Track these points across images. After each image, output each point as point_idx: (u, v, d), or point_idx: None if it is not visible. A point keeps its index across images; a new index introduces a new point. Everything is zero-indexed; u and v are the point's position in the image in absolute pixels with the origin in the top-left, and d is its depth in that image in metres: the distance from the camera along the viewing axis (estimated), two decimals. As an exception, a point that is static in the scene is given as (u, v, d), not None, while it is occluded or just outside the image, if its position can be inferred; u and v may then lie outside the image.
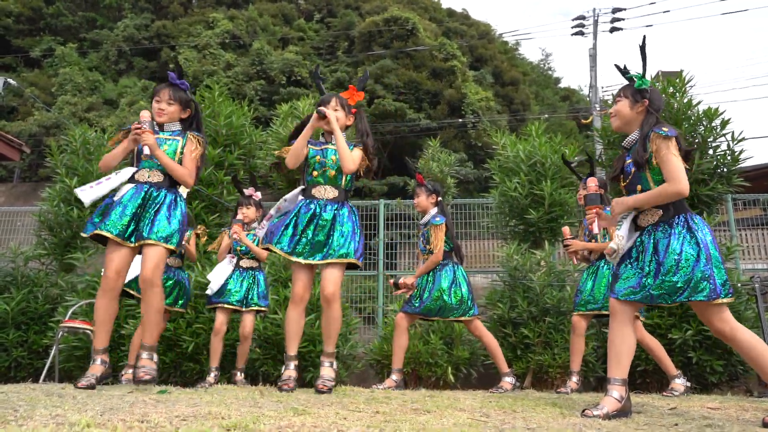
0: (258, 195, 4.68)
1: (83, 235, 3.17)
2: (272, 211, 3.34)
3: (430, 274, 4.24)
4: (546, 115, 21.36)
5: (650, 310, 4.97)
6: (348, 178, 3.31)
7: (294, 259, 3.20)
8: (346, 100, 3.35)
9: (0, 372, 5.63)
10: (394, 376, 4.24)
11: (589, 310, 4.14)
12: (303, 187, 3.34)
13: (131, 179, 3.18)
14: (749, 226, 9.15)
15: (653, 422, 2.37)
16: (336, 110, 3.28)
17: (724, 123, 5.66)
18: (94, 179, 6.38)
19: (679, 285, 2.45)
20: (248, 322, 4.36)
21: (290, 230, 3.21)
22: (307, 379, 4.87)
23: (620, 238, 2.67)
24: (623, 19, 20.61)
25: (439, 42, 22.66)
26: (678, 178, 2.50)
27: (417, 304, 4.20)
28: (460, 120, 20.06)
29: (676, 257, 2.47)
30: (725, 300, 2.45)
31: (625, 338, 2.59)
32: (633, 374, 4.94)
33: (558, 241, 6.25)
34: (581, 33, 21.29)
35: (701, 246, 2.47)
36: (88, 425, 1.60)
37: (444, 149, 12.57)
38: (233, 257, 4.48)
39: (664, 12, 28.17)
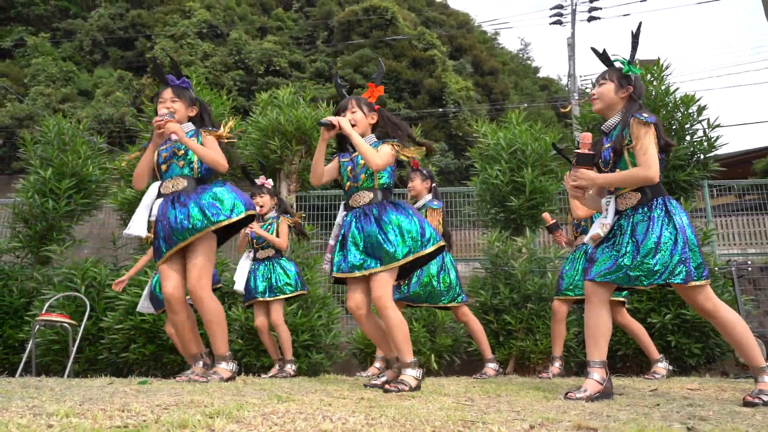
0: (270, 183, 4.64)
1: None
2: (331, 241, 3.13)
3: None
4: (525, 105, 21.44)
5: (631, 294, 5.03)
6: (382, 176, 3.05)
7: (336, 274, 2.98)
8: (365, 99, 3.19)
9: (-25, 368, 5.51)
10: (378, 364, 4.24)
11: (577, 295, 4.16)
12: (344, 201, 3.17)
13: (159, 194, 3.19)
14: (724, 213, 9.33)
15: (635, 403, 2.40)
16: (354, 112, 3.10)
17: (701, 110, 5.73)
18: (69, 170, 6.33)
19: (656, 268, 2.48)
20: (274, 310, 4.33)
21: (337, 248, 3.04)
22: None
23: (604, 225, 2.68)
24: (601, 8, 20.81)
25: (419, 31, 22.62)
26: (650, 165, 2.52)
27: (404, 290, 4.19)
28: (441, 110, 20.07)
29: (655, 240, 2.49)
30: (699, 283, 2.48)
31: (600, 321, 2.61)
32: (613, 358, 5.00)
33: (539, 228, 6.29)
34: (559, 22, 21.42)
35: (678, 230, 2.50)
36: (66, 415, 1.56)
37: (424, 138, 12.57)
38: (250, 251, 4.43)
39: (641, 1, 28.44)
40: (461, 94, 20.77)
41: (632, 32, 2.83)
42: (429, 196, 4.40)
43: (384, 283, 2.82)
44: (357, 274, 2.87)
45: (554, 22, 21.42)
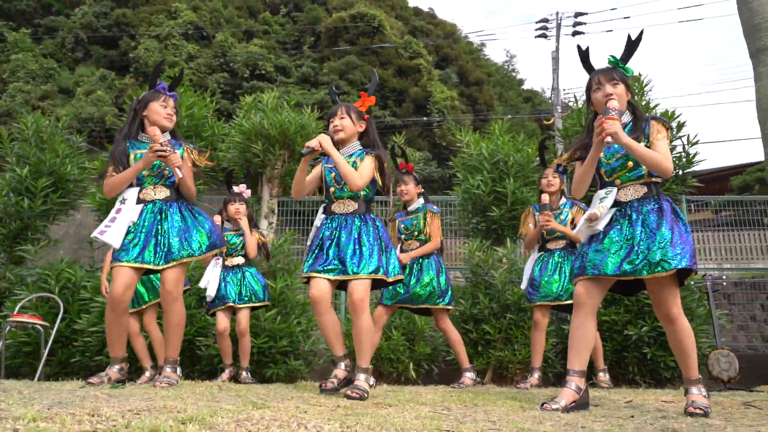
0: (248, 192, 4.67)
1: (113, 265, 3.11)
2: (309, 242, 3.20)
3: (417, 262, 4.25)
4: (509, 116, 21.62)
5: (608, 306, 5.07)
6: (367, 188, 3.11)
7: (314, 275, 3.02)
8: (355, 107, 3.20)
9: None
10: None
11: (555, 301, 4.21)
12: (324, 204, 3.22)
13: (138, 200, 3.17)
14: (701, 228, 9.49)
15: (610, 414, 2.41)
16: (342, 118, 3.14)
17: (680, 126, 5.82)
18: (46, 168, 6.22)
19: (677, 251, 2.49)
20: (242, 318, 4.31)
21: (315, 251, 3.08)
22: (266, 375, 4.79)
23: (603, 207, 2.68)
24: (585, 23, 21.06)
25: (405, 40, 22.73)
26: (670, 159, 2.60)
27: (402, 291, 4.17)
28: (425, 118, 20.16)
29: (668, 227, 2.53)
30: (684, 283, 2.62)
31: (587, 330, 2.63)
32: (590, 368, 5.02)
33: (520, 238, 6.32)
34: (544, 36, 21.64)
35: (687, 227, 2.59)
36: (33, 419, 1.52)
37: (408, 147, 12.61)
38: (218, 258, 4.39)
39: (624, 18, 28.94)
40: (446, 103, 20.90)
41: (630, 37, 2.83)
42: (421, 200, 4.45)
43: (364, 286, 2.94)
44: (322, 276, 2.97)
45: (539, 36, 21.66)
